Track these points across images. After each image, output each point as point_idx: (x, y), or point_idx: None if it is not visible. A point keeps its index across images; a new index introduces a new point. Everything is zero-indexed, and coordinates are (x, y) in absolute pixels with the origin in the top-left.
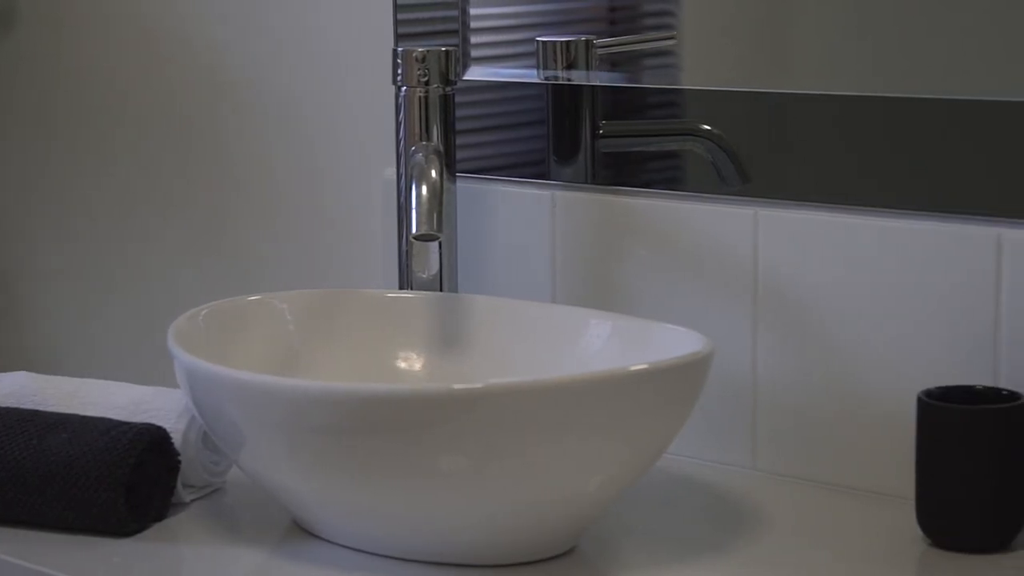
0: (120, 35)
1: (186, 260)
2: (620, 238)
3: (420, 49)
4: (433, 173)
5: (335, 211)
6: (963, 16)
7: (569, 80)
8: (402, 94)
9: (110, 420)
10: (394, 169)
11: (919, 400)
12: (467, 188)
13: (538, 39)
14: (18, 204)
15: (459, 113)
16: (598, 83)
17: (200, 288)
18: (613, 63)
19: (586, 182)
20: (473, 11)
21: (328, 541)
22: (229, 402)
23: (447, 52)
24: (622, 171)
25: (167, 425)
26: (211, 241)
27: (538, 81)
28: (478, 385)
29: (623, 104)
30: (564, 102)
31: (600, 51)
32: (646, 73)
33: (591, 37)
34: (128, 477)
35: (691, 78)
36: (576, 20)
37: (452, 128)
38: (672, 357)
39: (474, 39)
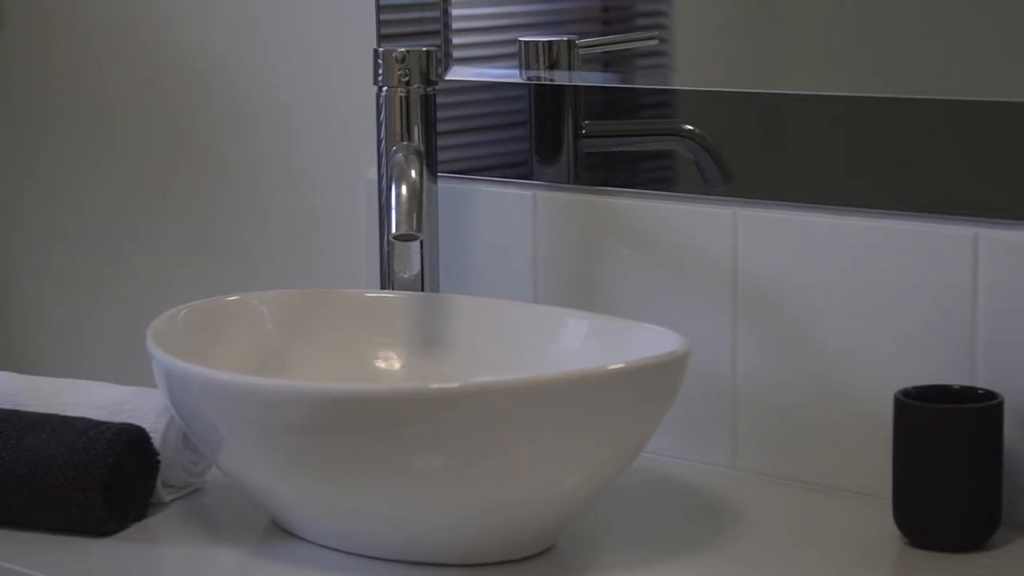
0: (109, 36)
1: (174, 260)
2: (601, 238)
3: (400, 49)
4: (413, 173)
5: (322, 211)
6: (942, 17)
7: (551, 80)
8: (383, 94)
9: (89, 420)
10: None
11: (896, 400)
12: (449, 188)
13: (520, 39)
14: (6, 204)
15: (442, 113)
16: (580, 83)
17: (187, 288)
18: (606, 63)
19: (568, 182)
20: (460, 12)
21: (307, 541)
22: (206, 402)
23: (428, 52)
24: (604, 171)
25: (147, 425)
26: (198, 241)
27: (521, 81)
28: (455, 385)
29: (606, 104)
30: (546, 102)
31: (583, 51)
32: (630, 73)
33: (573, 37)
34: (106, 477)
35: (674, 78)
36: (568, 20)
37: (433, 128)
38: (649, 356)
39: (460, 39)
